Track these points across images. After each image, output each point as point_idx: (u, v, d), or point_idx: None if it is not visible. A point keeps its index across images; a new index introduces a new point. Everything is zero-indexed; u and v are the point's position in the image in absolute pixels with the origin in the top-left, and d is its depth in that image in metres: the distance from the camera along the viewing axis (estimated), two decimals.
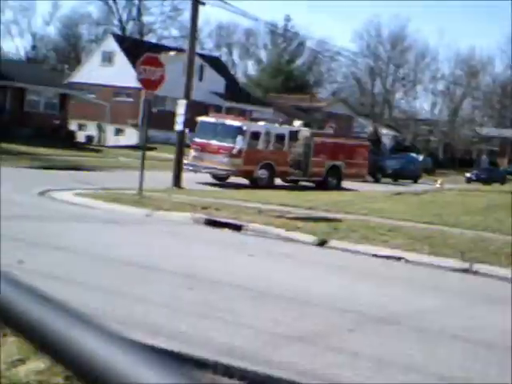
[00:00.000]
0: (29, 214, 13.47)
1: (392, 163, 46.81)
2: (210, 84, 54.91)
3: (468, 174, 57.29)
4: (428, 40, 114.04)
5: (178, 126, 23.31)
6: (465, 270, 11.18)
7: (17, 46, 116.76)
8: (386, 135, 73.25)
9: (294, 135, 29.90)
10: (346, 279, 10.05)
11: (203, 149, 27.16)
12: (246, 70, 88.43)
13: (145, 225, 14.04)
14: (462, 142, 73.14)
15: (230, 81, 60.81)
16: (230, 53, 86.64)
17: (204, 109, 40.69)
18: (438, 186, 37.82)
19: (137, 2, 72.30)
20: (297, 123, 31.89)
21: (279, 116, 52.06)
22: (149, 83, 18.97)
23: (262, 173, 27.85)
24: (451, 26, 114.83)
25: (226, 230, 13.81)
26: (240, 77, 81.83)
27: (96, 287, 7.86)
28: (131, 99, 52.07)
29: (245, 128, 27.53)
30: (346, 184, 31.11)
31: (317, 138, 30.71)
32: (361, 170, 33.00)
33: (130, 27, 73.28)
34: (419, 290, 9.76)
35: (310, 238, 13.04)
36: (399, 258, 11.82)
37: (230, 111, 52.61)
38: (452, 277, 10.88)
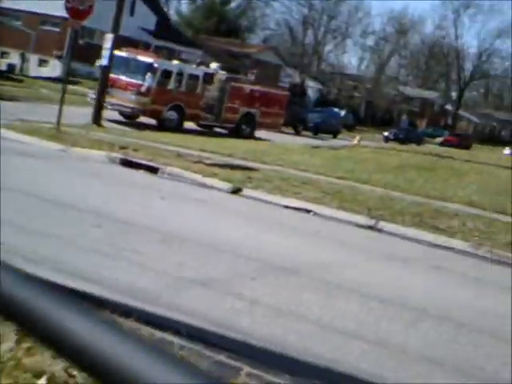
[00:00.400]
0: None
1: (314, 116, 47.02)
2: (141, 20, 53.84)
3: (386, 133, 58.25)
4: None
5: (103, 61, 22.90)
6: (370, 227, 11.51)
7: None
8: (312, 87, 73.55)
9: (208, 78, 28.75)
10: (255, 228, 10.25)
11: (113, 84, 25.42)
12: (179, 7, 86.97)
13: (59, 160, 13.88)
14: (384, 101, 74.14)
15: (162, 18, 59.77)
16: None
17: (132, 45, 39.98)
18: (355, 142, 38.39)
19: None
20: (213, 65, 30.56)
21: (205, 58, 51.52)
22: (76, 12, 18.42)
23: (170, 114, 26.80)
24: None
25: (142, 172, 13.80)
26: (172, 14, 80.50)
27: (2, 220, 7.82)
28: (58, 29, 50.67)
29: (156, 65, 26.35)
30: (261, 134, 30.40)
31: (233, 82, 29.61)
32: (277, 120, 31.94)
33: None
34: (323, 243, 10.05)
35: (225, 186, 13.17)
36: (308, 211, 12.08)
37: (158, 50, 51.85)
38: (357, 232, 11.21)
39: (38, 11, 50.93)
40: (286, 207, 12.19)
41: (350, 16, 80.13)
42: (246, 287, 6.99)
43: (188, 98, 27.28)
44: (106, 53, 22.59)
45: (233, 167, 15.42)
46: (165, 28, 57.53)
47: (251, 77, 35.96)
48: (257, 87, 31.35)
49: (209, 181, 13.39)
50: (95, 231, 8.10)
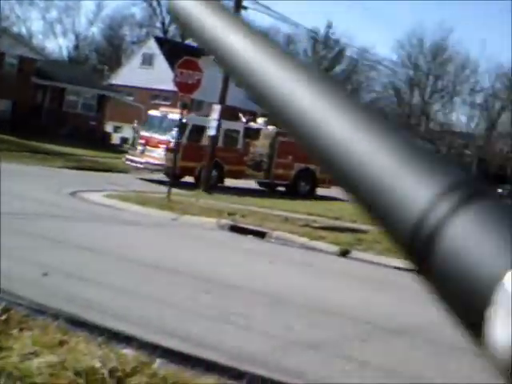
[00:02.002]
0: (58, 214, 13.77)
1: None
2: None
3: (500, 190, 56.64)
4: (469, 51, 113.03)
5: (211, 131, 23.54)
6: None
7: (60, 46, 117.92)
8: None
9: (253, 133, 27.78)
10: (365, 290, 10.15)
11: (146, 143, 25.97)
12: None
13: (170, 228, 14.25)
14: (496, 158, 72.35)
15: None
16: None
17: (237, 114, 40.83)
18: None
19: None
20: (260, 120, 29.05)
21: None
22: (185, 86, 19.16)
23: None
24: (494, 37, 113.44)
25: (250, 237, 13.97)
26: None
27: (115, 287, 8.08)
28: (168, 102, 52.50)
29: (184, 121, 24.78)
30: (327, 192, 26.53)
31: (282, 137, 27.27)
32: None
33: (172, 30, 73.69)
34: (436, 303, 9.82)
35: (333, 248, 13.15)
36: None
37: (264, 117, 52.74)
38: None
39: (149, 86, 53.03)
40: (397, 268, 12.01)
41: (456, 74, 79.33)
42: (355, 349, 6.92)
43: (226, 154, 26.27)
44: (212, 123, 23.25)
45: (341, 230, 15.38)
46: None
47: None
48: None
49: (316, 244, 13.41)
50: (204, 297, 8.22)
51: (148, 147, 25.81)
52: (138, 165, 25.75)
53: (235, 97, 42.98)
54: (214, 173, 25.73)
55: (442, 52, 79.19)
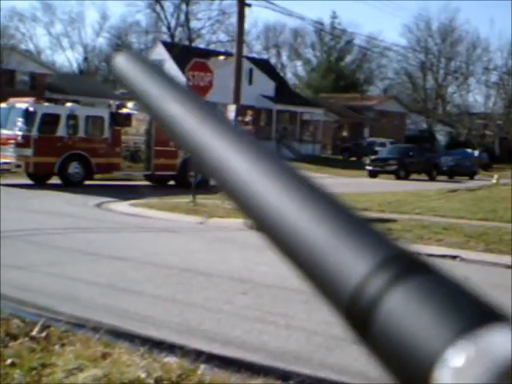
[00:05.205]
0: (85, 226, 13.78)
1: (447, 160, 46.23)
2: (260, 87, 55.01)
3: None
4: (479, 30, 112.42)
5: None
6: None
7: (69, 59, 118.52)
8: (440, 131, 72.38)
9: (123, 120, 24.80)
10: None
11: None
12: (295, 71, 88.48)
13: (199, 232, 14.22)
14: None
15: (280, 83, 60.86)
16: (279, 54, 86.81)
17: (254, 112, 40.75)
18: (494, 181, 37.29)
19: (184, 7, 72.84)
20: (130, 105, 25.33)
21: (330, 116, 51.36)
22: (198, 89, 19.16)
23: (74, 166, 23.17)
24: (501, 13, 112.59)
25: None
26: (290, 78, 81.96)
27: (153, 295, 8.04)
28: None
29: (32, 109, 22.62)
30: None
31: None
32: None
33: (179, 33, 73.88)
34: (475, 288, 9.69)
35: None
36: (454, 257, 11.75)
37: (280, 114, 52.77)
38: (508, 274, 10.78)
39: None
40: (431, 255, 11.90)
41: (468, 55, 78.85)
42: None
43: (92, 144, 23.56)
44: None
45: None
46: (284, 92, 58.50)
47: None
48: None
49: None
50: (242, 298, 8.16)
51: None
52: None
53: (249, 95, 42.98)
54: (79, 167, 23.41)
55: (451, 33, 78.82)
